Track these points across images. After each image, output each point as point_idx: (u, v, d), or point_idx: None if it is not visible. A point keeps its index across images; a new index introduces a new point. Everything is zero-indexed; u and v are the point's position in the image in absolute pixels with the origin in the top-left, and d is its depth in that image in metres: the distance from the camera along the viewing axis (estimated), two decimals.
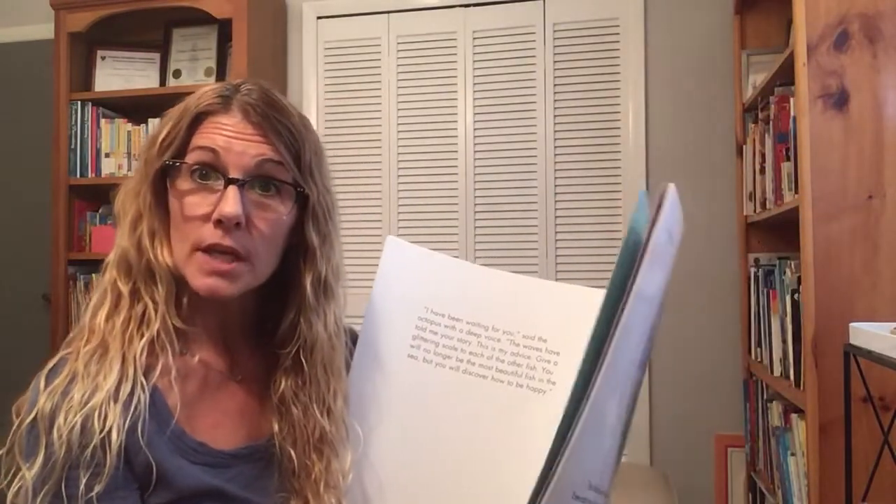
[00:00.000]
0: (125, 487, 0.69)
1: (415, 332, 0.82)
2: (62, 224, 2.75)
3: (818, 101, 1.49)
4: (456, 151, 2.75)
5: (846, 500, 1.31)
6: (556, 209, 2.65)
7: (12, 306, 3.08)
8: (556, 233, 2.64)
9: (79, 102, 2.78)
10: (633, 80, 2.62)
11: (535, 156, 2.68)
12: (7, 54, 3.18)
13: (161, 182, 0.75)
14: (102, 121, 2.80)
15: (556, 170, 2.66)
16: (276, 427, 0.78)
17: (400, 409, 0.80)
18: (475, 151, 2.73)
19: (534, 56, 2.70)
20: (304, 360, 0.78)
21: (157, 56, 2.87)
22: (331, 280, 0.79)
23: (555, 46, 2.68)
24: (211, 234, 0.71)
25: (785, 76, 1.83)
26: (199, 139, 0.73)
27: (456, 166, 2.74)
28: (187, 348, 0.78)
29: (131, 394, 0.70)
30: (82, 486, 0.67)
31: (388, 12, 2.83)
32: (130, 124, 2.79)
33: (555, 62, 2.68)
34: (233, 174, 0.72)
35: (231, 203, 0.71)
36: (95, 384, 0.70)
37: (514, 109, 2.71)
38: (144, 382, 0.71)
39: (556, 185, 2.66)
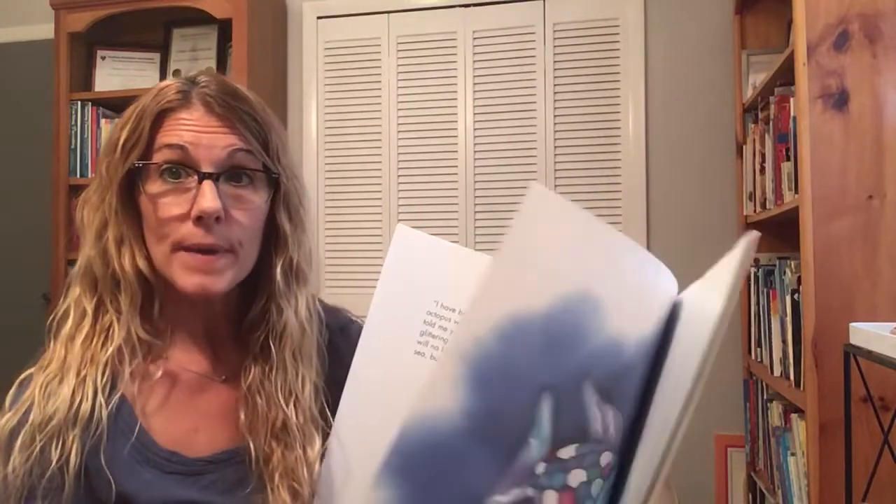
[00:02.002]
0: None
1: (423, 327, 0.75)
2: (62, 224, 2.75)
3: (818, 101, 1.49)
4: (456, 151, 2.75)
5: (846, 500, 1.31)
6: None
7: (12, 306, 3.08)
8: None
9: (79, 102, 2.78)
10: (633, 80, 2.62)
11: (535, 156, 2.68)
12: (7, 54, 3.19)
13: (127, 187, 0.73)
14: (102, 121, 2.80)
15: (556, 170, 2.66)
16: (241, 416, 0.75)
17: (404, 408, 0.76)
18: (475, 151, 2.73)
19: (534, 56, 2.70)
20: (272, 347, 0.76)
21: (156, 56, 2.87)
22: (303, 265, 0.78)
23: (555, 46, 2.68)
24: (192, 233, 0.70)
25: (785, 76, 1.83)
26: (164, 137, 0.71)
27: (456, 166, 2.74)
28: (162, 354, 0.76)
29: (91, 415, 0.69)
30: None
31: (388, 12, 2.83)
32: None
33: (555, 62, 2.68)
34: (205, 168, 0.70)
35: (209, 198, 0.69)
36: (54, 408, 0.69)
37: (514, 109, 2.71)
38: (103, 402, 0.70)
39: (556, 185, 2.66)
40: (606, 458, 0.53)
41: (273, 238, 0.77)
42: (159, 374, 0.75)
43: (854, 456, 1.34)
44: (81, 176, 2.78)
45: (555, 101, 2.67)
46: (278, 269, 0.76)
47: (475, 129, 2.74)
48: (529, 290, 0.52)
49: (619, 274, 0.54)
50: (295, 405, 0.75)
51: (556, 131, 2.67)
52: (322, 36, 2.91)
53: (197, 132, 0.71)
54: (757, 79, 2.27)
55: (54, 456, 0.67)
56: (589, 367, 0.52)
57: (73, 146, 2.77)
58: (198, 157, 0.70)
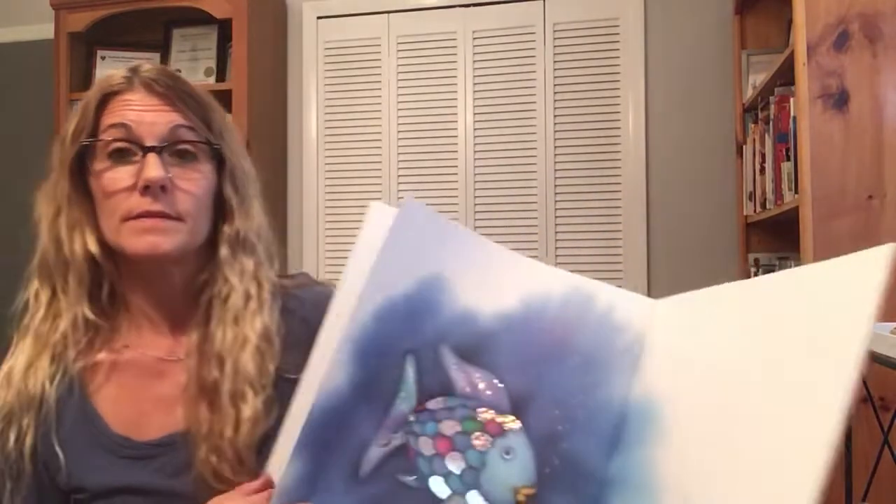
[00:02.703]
0: (48, 497, 0.74)
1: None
2: None
3: (818, 101, 1.49)
4: (456, 151, 2.75)
5: (846, 500, 1.31)
6: (555, 209, 2.65)
7: (12, 306, 3.08)
8: (556, 233, 2.64)
9: (79, 102, 2.77)
10: (633, 81, 2.62)
11: (535, 156, 2.68)
12: (7, 54, 3.19)
13: (78, 172, 0.76)
14: None
15: (556, 170, 2.66)
16: (183, 383, 0.76)
17: None
18: (475, 151, 2.73)
19: (534, 56, 2.70)
20: (212, 313, 0.77)
21: (157, 56, 2.87)
22: (250, 236, 0.79)
23: (555, 46, 2.68)
24: (139, 203, 0.72)
25: (785, 76, 1.83)
26: (108, 118, 0.75)
27: (456, 166, 2.74)
28: (118, 340, 0.79)
29: (41, 400, 0.74)
30: (6, 496, 0.71)
31: (388, 12, 2.83)
32: None
33: (555, 62, 2.68)
34: (149, 143, 0.73)
35: (153, 167, 0.72)
36: (10, 395, 0.74)
37: (514, 109, 2.71)
38: (50, 386, 0.75)
39: (555, 185, 2.66)
40: (488, 415, 0.62)
41: (222, 213, 0.79)
42: (116, 358, 0.78)
43: (854, 456, 1.34)
44: None
45: (555, 101, 2.67)
46: (224, 238, 0.78)
47: (475, 129, 2.74)
48: (396, 277, 0.65)
49: (468, 263, 0.67)
50: (232, 367, 0.74)
51: (556, 131, 2.67)
52: (322, 36, 2.91)
53: (140, 111, 0.75)
54: (757, 79, 2.27)
55: (12, 440, 0.73)
56: (444, 333, 0.64)
57: None
58: (141, 134, 0.74)
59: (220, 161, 0.78)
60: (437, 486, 0.61)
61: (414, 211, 0.67)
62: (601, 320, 0.64)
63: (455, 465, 0.62)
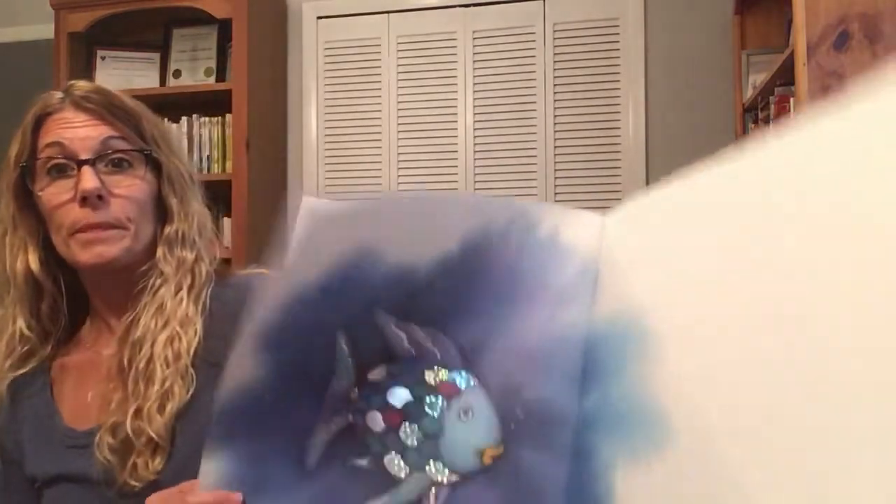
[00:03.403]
0: (18, 488, 0.82)
1: None
2: None
3: (818, 101, 1.49)
4: (456, 151, 2.75)
5: None
6: None
7: None
8: None
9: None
10: (633, 81, 2.62)
11: (535, 156, 2.68)
12: (7, 54, 3.19)
13: (24, 193, 0.81)
14: None
15: (556, 170, 2.66)
16: (111, 370, 0.80)
17: None
18: (475, 151, 2.73)
19: (534, 56, 2.70)
20: (144, 302, 0.80)
21: (157, 56, 2.87)
22: (189, 234, 0.83)
23: (555, 46, 2.68)
24: (80, 215, 0.77)
25: (785, 76, 1.83)
26: (45, 138, 0.80)
27: (456, 166, 2.74)
28: (80, 342, 0.85)
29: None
30: None
31: (388, 12, 2.83)
32: None
33: (555, 62, 2.68)
34: (83, 156, 0.78)
35: (87, 179, 0.76)
36: None
37: (514, 109, 2.71)
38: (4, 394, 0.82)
39: (555, 185, 2.66)
40: (440, 374, 0.56)
41: (163, 216, 0.83)
42: (79, 359, 0.84)
43: None
44: None
45: (555, 101, 2.67)
46: (163, 239, 0.82)
47: (475, 129, 2.74)
48: (302, 269, 0.60)
49: (395, 226, 0.61)
50: (147, 350, 0.77)
51: (556, 131, 2.67)
52: (322, 36, 2.91)
53: (72, 128, 0.79)
54: (757, 79, 2.27)
55: None
56: (378, 298, 0.58)
57: None
58: (75, 149, 0.78)
59: (157, 166, 0.82)
60: (393, 464, 0.56)
61: (312, 206, 0.63)
62: (547, 246, 0.57)
63: (410, 437, 0.56)
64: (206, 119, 2.71)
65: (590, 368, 0.53)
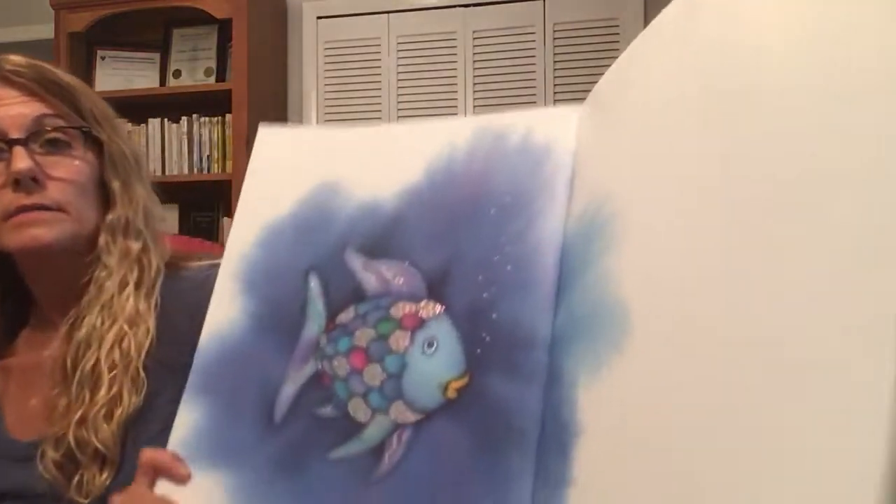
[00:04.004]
0: None
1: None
2: None
3: None
4: None
5: None
6: None
7: None
8: None
9: None
10: None
11: None
12: (7, 54, 3.18)
13: None
14: None
15: None
16: (54, 373, 0.73)
17: None
18: None
19: (534, 56, 2.70)
20: (88, 298, 0.73)
21: (157, 56, 2.87)
22: (135, 221, 0.76)
23: (555, 46, 2.68)
24: (14, 199, 0.70)
25: None
26: None
27: None
28: (25, 343, 0.79)
29: None
30: None
31: (388, 12, 2.83)
32: (130, 124, 2.78)
33: (555, 62, 2.68)
34: (13, 135, 0.71)
35: (19, 160, 0.69)
36: None
37: (515, 109, 2.70)
38: None
39: None
40: (405, 308, 0.53)
41: (105, 200, 0.76)
42: (21, 361, 0.77)
43: None
44: None
45: (555, 101, 2.67)
46: (105, 226, 0.75)
47: None
48: (274, 201, 0.60)
49: (356, 158, 0.60)
50: (93, 352, 0.70)
51: None
52: (322, 36, 2.91)
53: (2, 106, 0.72)
54: None
55: None
56: (346, 236, 0.57)
57: None
58: (5, 128, 0.71)
59: (97, 146, 0.75)
60: (357, 408, 0.52)
61: (271, 135, 0.62)
62: (518, 152, 0.53)
63: (374, 378, 0.52)
64: (206, 119, 2.71)
65: (562, 277, 0.48)
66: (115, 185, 0.75)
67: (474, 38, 2.76)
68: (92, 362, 0.70)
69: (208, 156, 2.71)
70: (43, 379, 0.74)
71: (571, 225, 0.49)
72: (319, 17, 2.91)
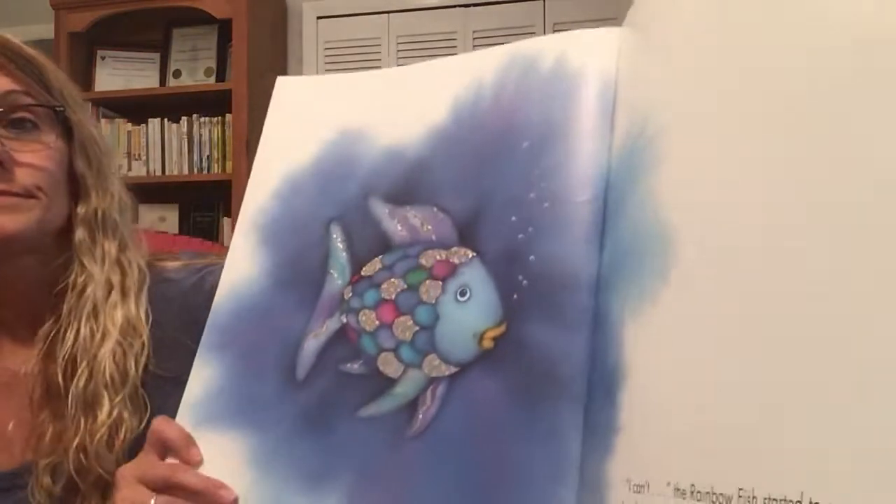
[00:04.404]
0: None
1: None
2: None
3: None
4: None
5: None
6: None
7: None
8: None
9: None
10: None
11: None
12: None
13: None
14: (102, 121, 2.79)
15: None
16: (35, 392, 0.65)
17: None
18: None
19: None
20: (68, 306, 0.64)
21: (157, 56, 2.87)
22: (112, 215, 0.67)
23: None
24: None
25: None
26: None
27: None
28: None
29: None
30: None
31: (388, 12, 2.83)
32: (130, 124, 2.79)
33: None
34: None
35: None
36: None
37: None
38: None
39: None
40: (435, 256, 0.50)
41: (75, 190, 0.67)
42: None
43: None
44: None
45: None
46: (80, 220, 0.66)
47: None
48: (292, 151, 0.57)
49: (378, 101, 0.56)
50: (85, 369, 0.62)
51: None
52: (322, 36, 2.91)
53: None
54: None
55: None
56: (370, 184, 0.53)
57: None
58: None
59: (68, 132, 0.66)
60: (387, 364, 0.49)
61: (289, 85, 0.60)
62: (551, 79, 0.48)
63: (404, 331, 0.49)
64: (206, 119, 2.71)
65: (607, 211, 0.44)
66: (88, 174, 0.66)
67: (474, 38, 2.76)
68: (85, 381, 0.62)
69: (208, 156, 2.71)
70: (15, 399, 0.65)
71: (615, 154, 0.44)
72: (319, 17, 2.91)
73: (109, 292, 0.65)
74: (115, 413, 0.61)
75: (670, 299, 0.36)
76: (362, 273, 0.52)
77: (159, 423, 0.53)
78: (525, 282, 0.45)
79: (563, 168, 0.46)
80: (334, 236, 0.54)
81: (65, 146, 0.66)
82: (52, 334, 0.64)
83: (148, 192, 2.82)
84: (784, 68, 0.31)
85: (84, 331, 0.63)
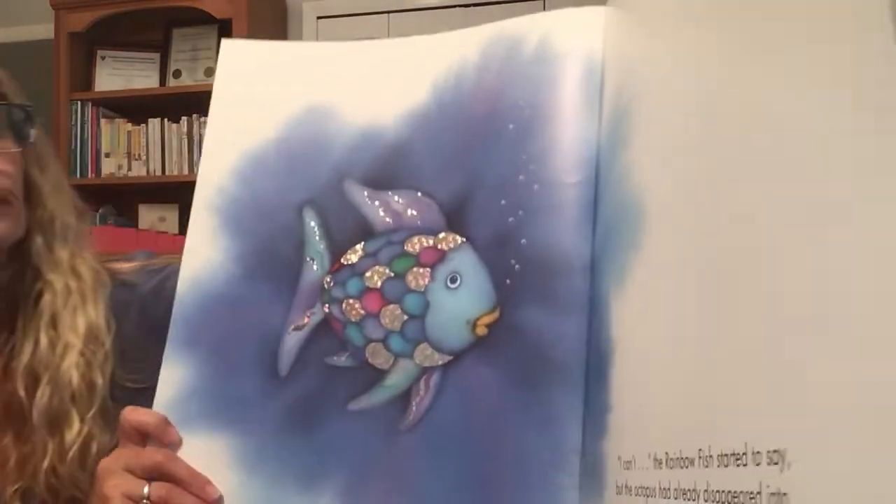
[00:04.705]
0: None
1: None
2: None
3: None
4: None
5: None
6: None
7: None
8: None
9: (79, 102, 2.78)
10: None
11: None
12: (7, 54, 3.19)
13: None
14: (102, 121, 2.79)
15: None
16: None
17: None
18: None
19: None
20: (23, 317, 0.61)
21: (157, 56, 2.87)
22: (67, 220, 0.65)
23: None
24: None
25: None
26: None
27: None
28: None
29: None
30: None
31: (388, 12, 2.83)
32: (130, 124, 2.79)
33: None
34: None
35: None
36: None
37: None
38: None
39: None
40: (421, 243, 0.48)
41: (28, 197, 0.63)
42: None
43: None
44: (81, 176, 2.77)
45: None
46: (36, 226, 0.63)
47: None
48: (252, 126, 0.52)
49: (348, 75, 0.53)
50: (48, 383, 0.58)
51: None
52: (322, 36, 2.91)
53: None
54: None
55: None
56: (345, 166, 0.50)
57: (72, 146, 2.77)
58: None
59: (24, 138, 0.62)
60: (376, 355, 0.47)
61: (238, 49, 0.55)
62: (536, 60, 0.47)
63: (393, 320, 0.47)
64: (206, 119, 2.70)
65: (598, 191, 0.43)
66: (42, 181, 0.64)
67: None
68: (48, 397, 0.57)
69: None
70: None
71: (603, 133, 0.43)
72: (319, 17, 2.91)
73: (68, 300, 0.61)
74: (85, 430, 0.57)
75: (643, 273, 0.35)
76: (343, 261, 0.50)
77: (129, 412, 0.50)
78: (517, 266, 0.44)
79: (552, 150, 0.45)
80: (309, 222, 0.51)
81: (19, 156, 0.62)
82: (7, 349, 0.60)
83: (148, 192, 2.82)
84: (763, 49, 0.29)
85: (43, 342, 0.59)
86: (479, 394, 0.44)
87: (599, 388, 0.39)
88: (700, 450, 0.29)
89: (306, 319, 0.50)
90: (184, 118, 2.71)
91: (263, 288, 0.51)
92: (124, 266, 0.68)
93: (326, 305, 0.50)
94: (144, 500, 0.47)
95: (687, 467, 0.29)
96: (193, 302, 0.51)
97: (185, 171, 2.70)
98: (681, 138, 0.33)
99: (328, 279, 0.50)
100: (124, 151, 2.78)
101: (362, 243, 0.50)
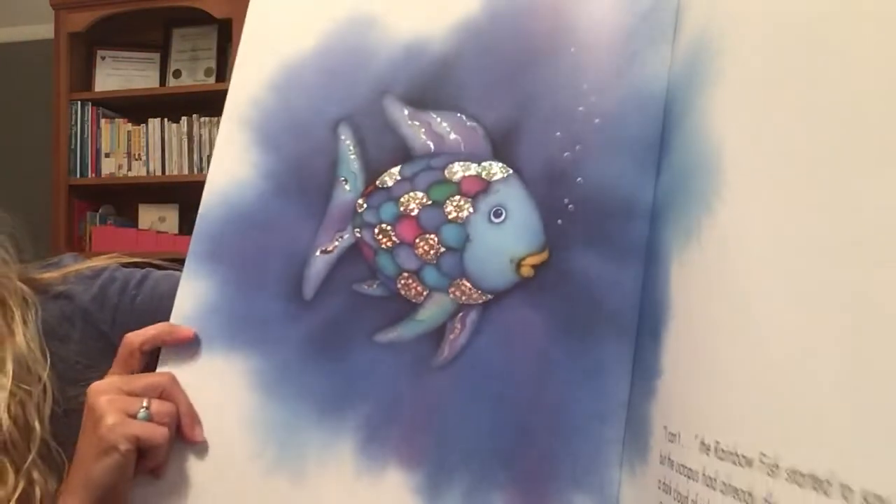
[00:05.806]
0: None
1: None
2: (62, 224, 2.74)
3: None
4: None
5: None
6: None
7: None
8: None
9: (79, 102, 2.77)
10: None
11: None
12: (7, 54, 3.18)
13: None
14: (102, 121, 2.79)
15: None
16: None
17: None
18: None
19: None
20: None
21: (157, 56, 2.87)
22: None
23: None
24: None
25: None
26: None
27: None
28: None
29: None
30: None
31: None
32: (130, 124, 2.78)
33: None
34: None
35: None
36: None
37: None
38: None
39: None
40: (463, 170, 0.45)
41: None
42: None
43: None
44: (81, 176, 2.77)
45: None
46: None
47: None
48: (290, 33, 0.49)
49: None
50: None
51: None
52: None
53: None
54: None
55: None
56: (385, 81, 0.47)
57: (72, 146, 2.77)
58: None
59: None
60: (408, 286, 0.45)
61: None
62: None
63: (428, 251, 0.45)
64: (206, 119, 2.71)
65: (665, 131, 0.39)
66: None
67: None
68: None
69: (208, 156, 2.71)
70: None
71: (676, 67, 0.39)
72: None
73: None
74: (22, 483, 0.49)
75: (713, 242, 0.31)
76: (377, 184, 0.47)
77: (133, 336, 0.47)
78: (571, 206, 0.41)
79: (617, 82, 0.40)
80: (344, 139, 0.47)
81: None
82: None
83: (148, 192, 2.82)
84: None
85: None
86: (522, 337, 0.42)
87: (652, 348, 0.37)
88: (763, 454, 0.26)
89: (335, 243, 0.47)
90: (184, 118, 2.71)
91: (292, 207, 0.48)
92: (54, 275, 0.62)
93: (357, 230, 0.47)
94: (142, 410, 0.45)
95: (742, 466, 0.27)
96: (219, 216, 0.49)
97: (186, 171, 2.70)
98: (780, 94, 0.29)
99: (361, 202, 0.47)
100: (124, 151, 2.78)
101: (399, 166, 0.46)
